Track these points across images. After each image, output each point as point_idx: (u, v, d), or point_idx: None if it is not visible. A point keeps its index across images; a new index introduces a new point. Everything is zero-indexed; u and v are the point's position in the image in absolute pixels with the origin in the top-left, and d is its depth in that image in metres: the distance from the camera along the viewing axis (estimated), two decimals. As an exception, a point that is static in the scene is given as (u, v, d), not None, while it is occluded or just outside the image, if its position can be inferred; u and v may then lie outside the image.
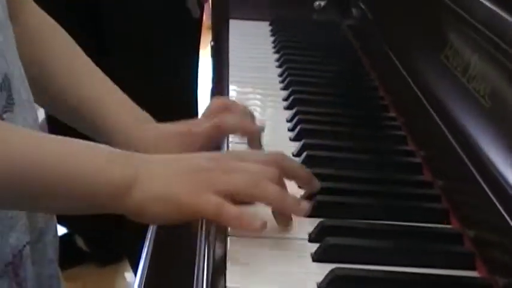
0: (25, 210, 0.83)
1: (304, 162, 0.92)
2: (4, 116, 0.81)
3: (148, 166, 0.76)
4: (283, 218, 0.78)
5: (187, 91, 1.90)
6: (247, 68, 1.24)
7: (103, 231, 2.08)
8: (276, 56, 1.33)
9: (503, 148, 0.78)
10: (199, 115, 0.98)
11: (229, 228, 0.77)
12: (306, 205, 0.77)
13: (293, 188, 0.81)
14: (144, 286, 0.95)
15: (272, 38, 1.43)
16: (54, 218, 0.95)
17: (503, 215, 0.73)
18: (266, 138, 0.95)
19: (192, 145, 0.90)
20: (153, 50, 1.85)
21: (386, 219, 0.82)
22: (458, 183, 0.86)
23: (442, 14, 1.03)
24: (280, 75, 1.23)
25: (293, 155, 0.96)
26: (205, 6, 1.90)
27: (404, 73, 1.08)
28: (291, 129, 1.04)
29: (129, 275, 2.15)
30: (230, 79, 1.21)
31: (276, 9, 1.55)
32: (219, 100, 1.00)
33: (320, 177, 0.86)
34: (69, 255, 1.89)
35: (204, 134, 0.91)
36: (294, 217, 0.79)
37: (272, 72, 1.25)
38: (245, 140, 0.94)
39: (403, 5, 1.22)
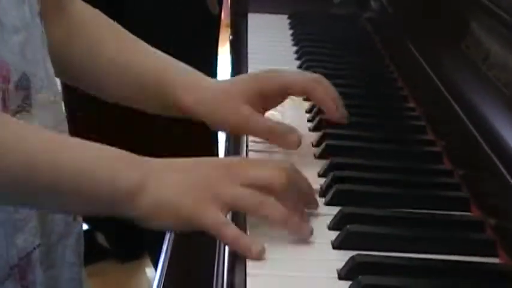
0: (30, 207, 0.82)
1: (324, 151, 0.92)
2: (18, 115, 0.81)
3: (157, 175, 0.75)
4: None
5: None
6: (266, 60, 1.24)
7: (124, 227, 2.08)
8: (295, 48, 1.33)
9: (524, 135, 0.77)
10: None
11: (247, 218, 0.77)
12: (309, 229, 0.76)
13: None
14: (164, 281, 0.95)
15: (291, 31, 1.43)
16: (79, 221, 0.95)
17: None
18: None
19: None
20: (172, 47, 1.85)
21: (407, 207, 0.82)
22: (478, 171, 0.86)
23: (462, 2, 1.02)
24: (299, 67, 1.23)
25: (313, 145, 0.96)
26: (224, 3, 1.90)
27: (424, 64, 1.07)
28: (310, 120, 1.04)
29: (149, 270, 2.15)
30: (249, 72, 1.21)
31: (294, 2, 1.55)
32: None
33: (340, 166, 0.86)
34: (89, 251, 1.89)
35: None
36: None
37: (291, 64, 1.25)
38: (263, 140, 0.93)
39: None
